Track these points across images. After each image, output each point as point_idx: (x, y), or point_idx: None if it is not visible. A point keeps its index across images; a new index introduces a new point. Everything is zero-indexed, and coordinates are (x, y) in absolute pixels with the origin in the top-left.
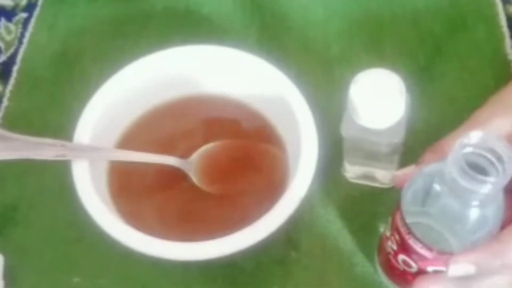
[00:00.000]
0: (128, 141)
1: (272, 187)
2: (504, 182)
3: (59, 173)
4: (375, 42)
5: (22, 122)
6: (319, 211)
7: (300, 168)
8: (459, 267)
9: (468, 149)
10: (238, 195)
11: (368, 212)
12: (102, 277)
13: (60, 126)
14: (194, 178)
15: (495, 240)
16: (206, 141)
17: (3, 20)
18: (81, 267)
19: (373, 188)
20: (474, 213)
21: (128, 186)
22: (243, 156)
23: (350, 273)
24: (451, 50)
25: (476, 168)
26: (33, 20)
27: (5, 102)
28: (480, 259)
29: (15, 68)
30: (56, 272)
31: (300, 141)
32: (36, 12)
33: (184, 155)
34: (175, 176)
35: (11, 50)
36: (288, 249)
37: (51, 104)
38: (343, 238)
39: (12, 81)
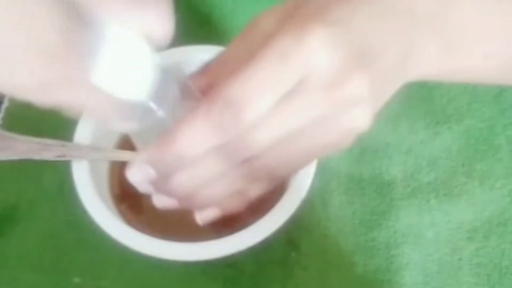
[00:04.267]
0: (128, 141)
1: (272, 188)
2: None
3: (59, 173)
4: None
5: (22, 122)
6: (319, 211)
7: None
8: (135, 172)
9: None
10: None
11: (368, 212)
12: (103, 277)
13: (60, 126)
14: None
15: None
16: None
17: None
18: (81, 267)
19: (373, 188)
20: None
21: (129, 186)
22: None
23: (350, 273)
24: None
25: None
26: None
27: (6, 102)
28: (152, 158)
29: None
30: (56, 272)
31: None
32: None
33: None
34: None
35: None
36: (288, 249)
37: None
38: (343, 238)
39: None
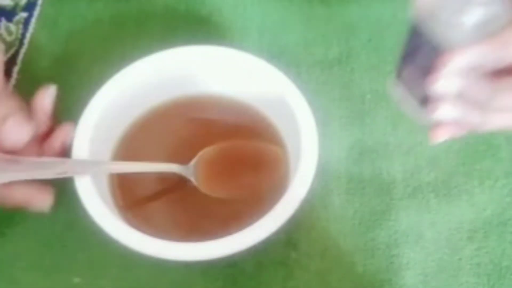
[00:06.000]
0: (128, 141)
1: (272, 188)
2: None
3: None
4: (375, 42)
5: None
6: (319, 211)
7: (300, 168)
8: (463, 58)
9: None
10: (239, 196)
11: (368, 212)
12: (103, 277)
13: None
14: (196, 182)
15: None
16: (206, 141)
17: (4, 21)
18: (81, 267)
19: (373, 188)
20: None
21: (130, 187)
22: (243, 157)
23: (350, 273)
24: None
25: None
26: (33, 21)
27: None
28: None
29: (16, 69)
30: (56, 272)
31: (300, 141)
32: (37, 12)
33: (185, 155)
34: (177, 178)
35: (12, 51)
36: (288, 249)
37: (51, 104)
38: (343, 238)
39: (12, 81)
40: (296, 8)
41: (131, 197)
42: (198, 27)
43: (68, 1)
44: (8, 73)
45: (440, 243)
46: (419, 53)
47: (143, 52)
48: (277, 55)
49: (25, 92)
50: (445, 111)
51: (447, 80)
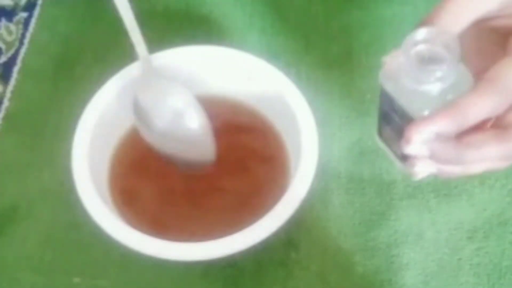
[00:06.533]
0: (128, 141)
1: (272, 188)
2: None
3: (59, 173)
4: (375, 42)
5: (23, 122)
6: (319, 211)
7: (300, 168)
8: (422, 129)
9: (418, 46)
10: (239, 196)
11: (368, 212)
12: (102, 277)
13: (60, 126)
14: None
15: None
16: None
17: (4, 21)
18: (81, 268)
19: (373, 188)
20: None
21: (130, 187)
22: (243, 156)
23: (350, 273)
24: None
25: (430, 58)
26: (33, 21)
27: (6, 102)
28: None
29: (16, 69)
30: (56, 272)
31: (300, 141)
32: (37, 12)
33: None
34: (176, 177)
35: (12, 51)
36: (288, 249)
37: (51, 104)
38: (343, 238)
39: (12, 81)
40: (296, 8)
41: (131, 197)
42: (198, 27)
43: (68, 1)
44: (8, 73)
45: (440, 243)
46: (390, 115)
47: None
48: (277, 55)
49: (25, 92)
50: (422, 168)
51: (414, 146)
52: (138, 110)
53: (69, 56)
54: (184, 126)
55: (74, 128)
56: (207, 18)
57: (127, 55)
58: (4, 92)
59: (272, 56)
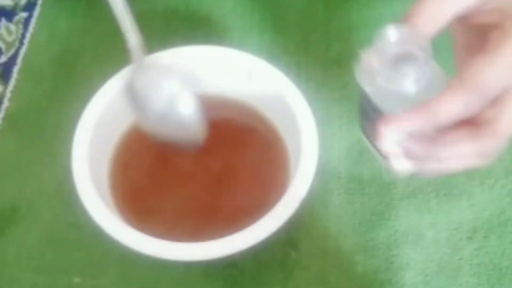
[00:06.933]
0: (128, 141)
1: (272, 188)
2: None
3: (59, 173)
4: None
5: (23, 122)
6: (319, 211)
7: (300, 168)
8: (392, 128)
9: (391, 47)
10: (239, 196)
11: (368, 212)
12: (102, 277)
13: (60, 126)
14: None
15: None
16: (205, 141)
17: (4, 21)
18: (81, 268)
19: (373, 188)
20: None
21: (130, 187)
22: (243, 157)
23: (350, 273)
24: (450, 49)
25: (403, 58)
26: (33, 20)
27: (6, 102)
28: (408, 122)
29: (16, 69)
30: (56, 272)
31: (300, 141)
32: (37, 12)
33: (185, 155)
34: (177, 177)
35: (12, 51)
36: (288, 249)
37: (51, 104)
38: (343, 238)
39: (12, 81)
40: (296, 8)
41: (131, 197)
42: (198, 27)
43: (68, 1)
44: (8, 73)
45: (440, 243)
46: (368, 112)
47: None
48: (277, 55)
49: (25, 92)
50: (400, 165)
51: (387, 143)
52: (133, 95)
53: (69, 56)
54: (178, 110)
55: (74, 128)
56: (207, 18)
57: (127, 55)
58: (4, 92)
59: (272, 56)
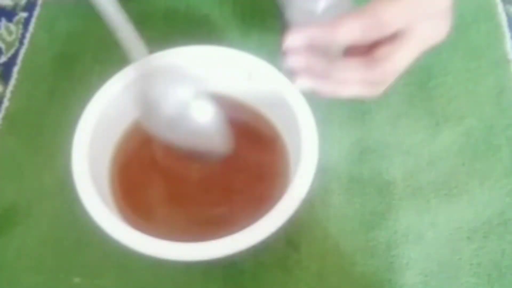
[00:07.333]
0: (128, 141)
1: (272, 188)
2: None
3: (59, 173)
4: None
5: (23, 122)
6: (319, 211)
7: (300, 168)
8: (297, 37)
9: None
10: (238, 196)
11: (368, 212)
12: (103, 277)
13: (60, 126)
14: None
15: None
16: None
17: (4, 21)
18: (81, 267)
19: (373, 188)
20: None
21: (130, 187)
22: (243, 157)
23: (350, 273)
24: (450, 50)
25: None
26: (33, 21)
27: (6, 102)
28: (316, 33)
29: (16, 69)
30: (56, 272)
31: (300, 141)
32: (36, 12)
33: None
34: (176, 177)
35: (12, 51)
36: (288, 249)
37: (51, 104)
38: (343, 238)
39: (12, 81)
40: None
41: (131, 197)
42: (198, 27)
43: (68, 1)
44: (8, 73)
45: (440, 243)
46: (283, 27)
47: None
48: (277, 55)
49: (25, 92)
50: (301, 81)
51: (291, 56)
52: (146, 104)
53: (69, 56)
54: (196, 117)
55: (74, 128)
56: (207, 18)
57: (127, 55)
58: (4, 92)
59: (272, 56)
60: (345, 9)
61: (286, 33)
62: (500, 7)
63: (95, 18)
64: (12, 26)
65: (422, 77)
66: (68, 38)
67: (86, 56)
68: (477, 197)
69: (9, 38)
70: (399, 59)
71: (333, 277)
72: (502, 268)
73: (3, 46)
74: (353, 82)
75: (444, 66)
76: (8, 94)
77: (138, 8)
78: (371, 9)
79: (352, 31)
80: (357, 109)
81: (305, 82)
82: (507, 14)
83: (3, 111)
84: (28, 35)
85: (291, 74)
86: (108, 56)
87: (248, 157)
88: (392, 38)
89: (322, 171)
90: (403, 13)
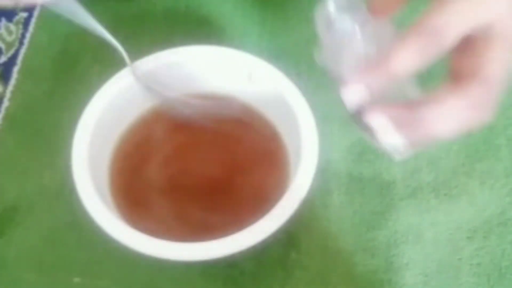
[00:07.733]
0: (128, 141)
1: (272, 187)
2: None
3: (59, 173)
4: None
5: (23, 122)
6: (319, 211)
7: (300, 168)
8: (353, 92)
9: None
10: (239, 196)
11: (368, 212)
12: (103, 277)
13: (60, 126)
14: None
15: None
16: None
17: (4, 21)
18: (81, 267)
19: (373, 188)
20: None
21: (130, 187)
22: (243, 157)
23: (350, 273)
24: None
25: None
26: (33, 21)
27: (6, 102)
28: (367, 78)
29: (16, 69)
30: (56, 272)
31: (300, 141)
32: (37, 12)
33: (185, 155)
34: (177, 177)
35: (12, 51)
36: (288, 249)
37: (51, 104)
38: (343, 238)
39: (12, 81)
40: (296, 8)
41: (131, 197)
42: (198, 27)
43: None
44: (8, 73)
45: (440, 243)
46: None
47: (143, 52)
48: (277, 55)
49: (25, 92)
50: (389, 138)
51: (366, 115)
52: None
53: (69, 56)
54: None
55: (74, 128)
56: (207, 18)
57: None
58: (4, 92)
59: (272, 56)
60: (383, 26)
61: (340, 90)
62: None
63: (95, 18)
64: (12, 26)
65: (422, 77)
66: (68, 38)
67: (86, 56)
68: (477, 197)
69: (9, 38)
70: (492, 65)
71: (333, 277)
72: (502, 268)
73: (3, 46)
74: (451, 114)
75: (444, 66)
76: (8, 94)
77: (138, 8)
78: (420, 23)
79: (409, 56)
80: None
81: (394, 139)
82: None
83: (3, 111)
84: (28, 35)
85: (371, 132)
86: (108, 56)
87: (248, 157)
88: (470, 46)
89: (322, 171)
90: (457, 14)
